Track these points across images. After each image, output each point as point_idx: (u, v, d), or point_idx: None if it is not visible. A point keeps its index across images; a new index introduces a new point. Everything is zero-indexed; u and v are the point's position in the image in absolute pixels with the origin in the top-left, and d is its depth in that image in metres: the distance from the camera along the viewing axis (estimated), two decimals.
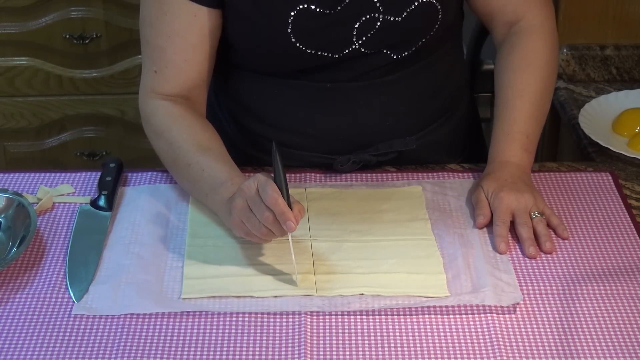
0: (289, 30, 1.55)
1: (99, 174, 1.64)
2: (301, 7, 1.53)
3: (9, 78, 2.71)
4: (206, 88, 1.64)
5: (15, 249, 1.46)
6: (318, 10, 1.54)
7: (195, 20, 1.56)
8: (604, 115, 1.90)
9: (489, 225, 1.54)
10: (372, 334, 1.34)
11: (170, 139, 1.56)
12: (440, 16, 1.59)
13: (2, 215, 1.52)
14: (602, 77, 2.09)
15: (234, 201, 1.41)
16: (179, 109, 1.58)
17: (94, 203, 1.58)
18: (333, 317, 1.37)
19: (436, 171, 1.68)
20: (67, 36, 2.66)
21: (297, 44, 1.56)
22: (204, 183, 1.51)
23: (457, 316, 1.37)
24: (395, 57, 1.61)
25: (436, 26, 1.60)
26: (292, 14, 1.54)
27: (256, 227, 1.39)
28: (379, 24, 1.56)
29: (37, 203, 1.58)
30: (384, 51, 1.60)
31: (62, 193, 1.62)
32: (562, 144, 2.14)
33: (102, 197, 1.58)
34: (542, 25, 1.68)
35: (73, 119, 2.79)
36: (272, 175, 1.39)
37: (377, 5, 1.55)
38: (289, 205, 1.38)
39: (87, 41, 2.67)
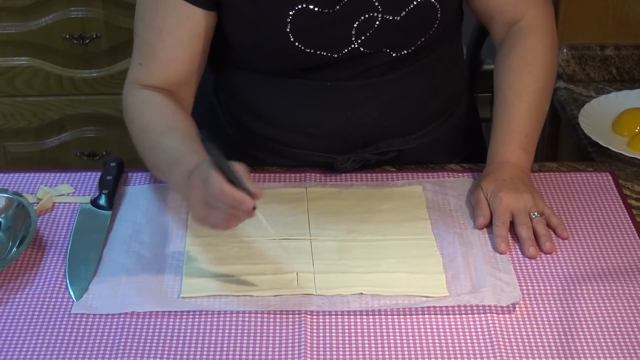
0: (288, 30, 1.55)
1: (99, 173, 1.64)
2: (300, 6, 1.53)
3: (9, 78, 2.71)
4: (192, 86, 1.62)
5: (15, 249, 1.46)
6: (316, 9, 1.54)
7: (187, 20, 1.55)
8: (604, 115, 1.90)
9: (489, 225, 1.54)
10: (371, 334, 1.34)
11: (141, 125, 1.55)
12: (439, 15, 1.59)
13: (2, 215, 1.52)
14: (602, 77, 2.09)
15: (189, 200, 1.38)
16: (155, 95, 1.57)
17: (94, 202, 1.58)
18: (333, 316, 1.37)
19: (436, 171, 1.68)
20: (67, 36, 2.66)
21: (296, 44, 1.56)
22: (164, 163, 1.49)
23: (457, 316, 1.37)
24: (394, 55, 1.61)
25: (435, 25, 1.60)
26: (291, 13, 1.53)
27: (220, 218, 1.35)
28: (377, 23, 1.56)
29: (37, 203, 1.58)
30: (383, 50, 1.60)
31: (62, 193, 1.62)
32: (562, 144, 2.14)
33: (103, 196, 1.58)
34: (542, 25, 1.68)
35: (73, 119, 2.79)
36: (214, 164, 1.32)
37: (376, 4, 1.55)
38: (244, 187, 1.31)
39: (87, 41, 2.67)
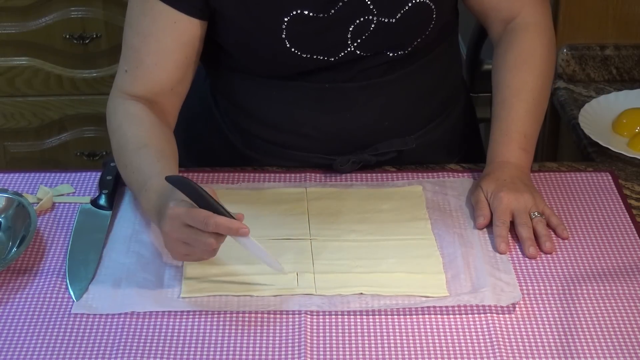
0: (283, 36, 1.54)
1: (99, 173, 1.64)
2: (294, 12, 1.53)
3: (9, 78, 2.71)
4: (176, 97, 1.60)
5: (15, 249, 1.46)
6: (311, 14, 1.53)
7: (175, 27, 1.54)
8: (604, 115, 1.90)
9: (489, 225, 1.54)
10: (371, 334, 1.34)
11: (118, 139, 1.54)
12: (434, 16, 1.58)
13: (2, 215, 1.52)
14: (602, 77, 2.09)
15: (167, 244, 1.38)
16: (137, 108, 1.56)
17: (94, 202, 1.58)
18: (333, 316, 1.37)
19: (436, 171, 1.68)
20: (67, 36, 2.67)
21: (292, 49, 1.56)
22: (135, 186, 1.49)
23: (457, 316, 1.37)
24: (391, 55, 1.61)
25: (431, 26, 1.59)
26: (286, 19, 1.53)
27: (206, 252, 1.36)
28: (373, 26, 1.56)
29: (37, 203, 1.58)
30: (380, 51, 1.60)
31: (62, 193, 1.62)
32: (562, 144, 2.14)
33: (103, 196, 1.58)
34: (539, 23, 1.67)
35: (73, 119, 2.79)
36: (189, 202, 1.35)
37: (371, 7, 1.54)
38: (226, 213, 1.34)
39: (87, 41, 2.68)
